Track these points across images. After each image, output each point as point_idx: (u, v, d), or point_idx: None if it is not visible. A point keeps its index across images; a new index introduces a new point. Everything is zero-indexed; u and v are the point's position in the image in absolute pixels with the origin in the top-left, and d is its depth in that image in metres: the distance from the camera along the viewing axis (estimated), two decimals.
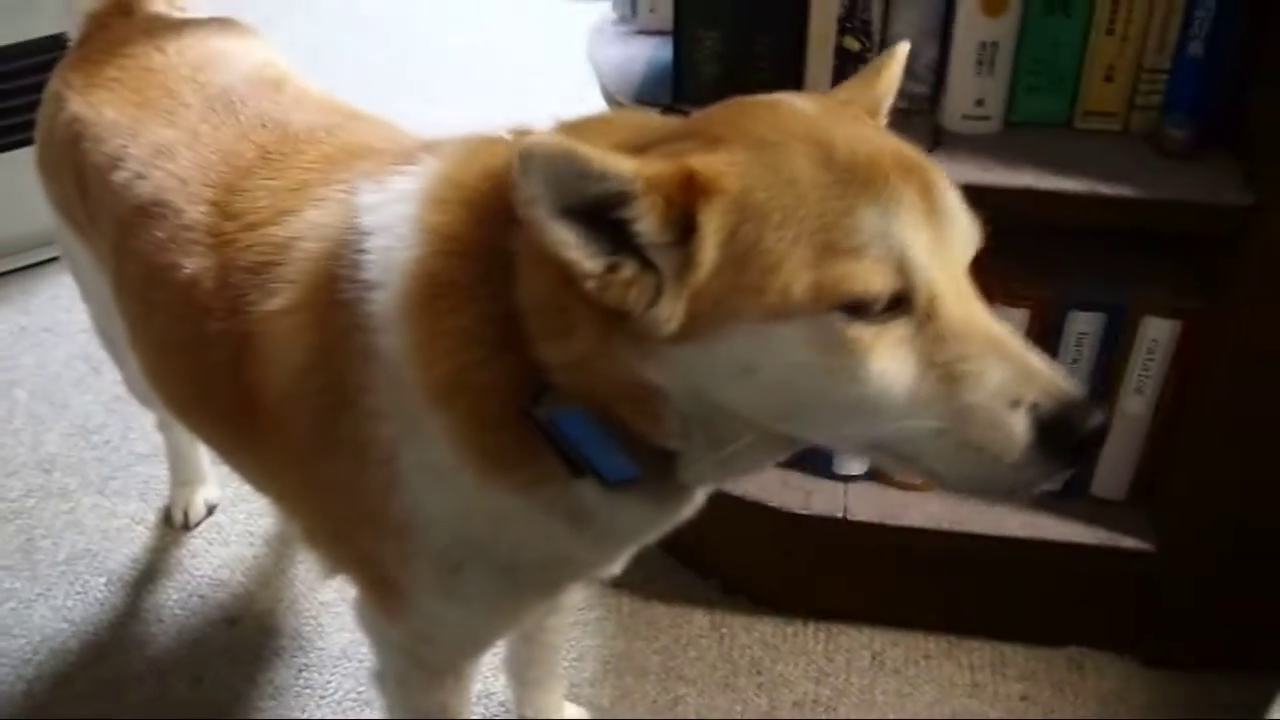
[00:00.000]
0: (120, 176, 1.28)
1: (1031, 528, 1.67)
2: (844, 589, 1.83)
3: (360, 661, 1.76)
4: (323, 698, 1.73)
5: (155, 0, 1.53)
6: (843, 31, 1.43)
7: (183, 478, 2.02)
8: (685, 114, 0.97)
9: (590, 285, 0.82)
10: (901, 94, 1.00)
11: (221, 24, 1.49)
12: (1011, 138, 1.48)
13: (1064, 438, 0.82)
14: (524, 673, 1.61)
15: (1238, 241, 1.41)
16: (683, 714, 1.71)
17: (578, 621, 1.82)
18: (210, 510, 2.04)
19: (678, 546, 1.88)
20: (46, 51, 2.44)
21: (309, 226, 1.10)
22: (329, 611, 1.85)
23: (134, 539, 2.00)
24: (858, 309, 0.80)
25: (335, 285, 1.03)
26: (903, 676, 1.76)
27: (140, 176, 1.26)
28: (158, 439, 2.05)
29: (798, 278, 0.80)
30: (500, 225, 0.92)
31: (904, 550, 1.74)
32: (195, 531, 2.01)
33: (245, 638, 1.82)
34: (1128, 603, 1.72)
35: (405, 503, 1.05)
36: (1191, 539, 1.62)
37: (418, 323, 0.96)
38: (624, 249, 0.83)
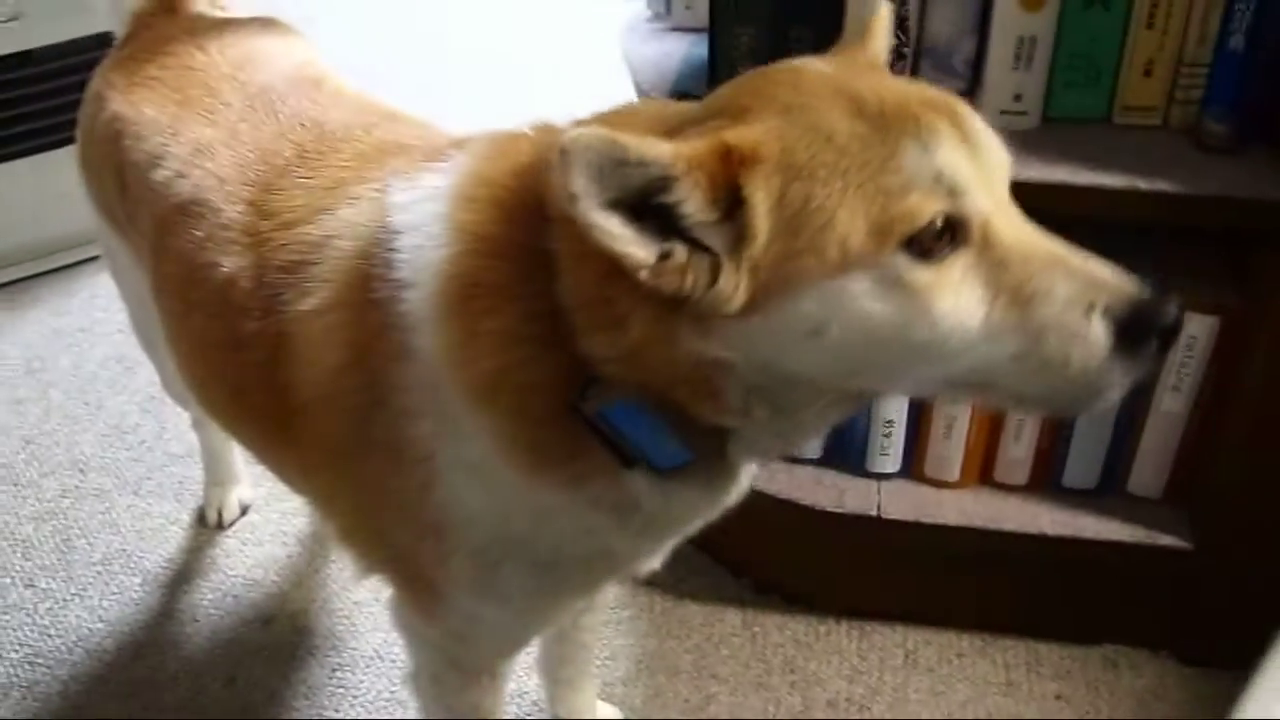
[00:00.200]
0: (160, 175, 1.28)
1: (1067, 525, 1.65)
2: (877, 587, 1.82)
3: (393, 662, 1.77)
4: (356, 697, 1.73)
5: (198, 0, 1.54)
6: None
7: (217, 477, 2.03)
8: (698, 98, 0.96)
9: (644, 276, 0.81)
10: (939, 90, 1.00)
11: (263, 23, 1.50)
12: (1049, 133, 1.47)
13: (1143, 334, 0.83)
14: (557, 672, 1.61)
15: (1277, 237, 1.40)
16: (715, 713, 1.70)
17: (610, 620, 1.82)
18: (244, 510, 2.05)
19: (710, 545, 1.87)
20: (80, 54, 2.46)
21: (343, 225, 1.10)
22: (362, 611, 1.85)
23: (169, 539, 2.01)
24: (918, 248, 0.81)
25: (369, 284, 1.03)
26: (936, 675, 1.75)
27: (180, 175, 1.26)
28: (192, 439, 2.06)
29: (854, 228, 0.81)
30: (533, 224, 0.92)
31: (937, 548, 1.73)
32: (229, 531, 2.02)
33: (279, 637, 1.83)
34: (1164, 601, 1.71)
35: (442, 501, 1.05)
36: (1229, 537, 1.61)
37: (455, 323, 0.96)
38: (671, 234, 0.82)
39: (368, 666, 1.78)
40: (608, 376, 0.90)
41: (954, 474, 1.71)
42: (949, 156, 0.83)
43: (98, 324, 2.56)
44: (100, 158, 1.43)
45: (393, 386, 1.03)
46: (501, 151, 1.02)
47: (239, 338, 1.16)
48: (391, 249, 1.01)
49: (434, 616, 1.17)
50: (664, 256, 0.82)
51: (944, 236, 0.82)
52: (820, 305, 0.82)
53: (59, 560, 1.97)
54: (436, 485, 1.04)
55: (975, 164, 0.84)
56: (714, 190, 0.82)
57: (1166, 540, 1.63)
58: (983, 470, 1.71)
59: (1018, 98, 1.46)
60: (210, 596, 1.90)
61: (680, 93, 1.60)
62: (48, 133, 2.53)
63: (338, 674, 1.77)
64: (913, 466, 1.73)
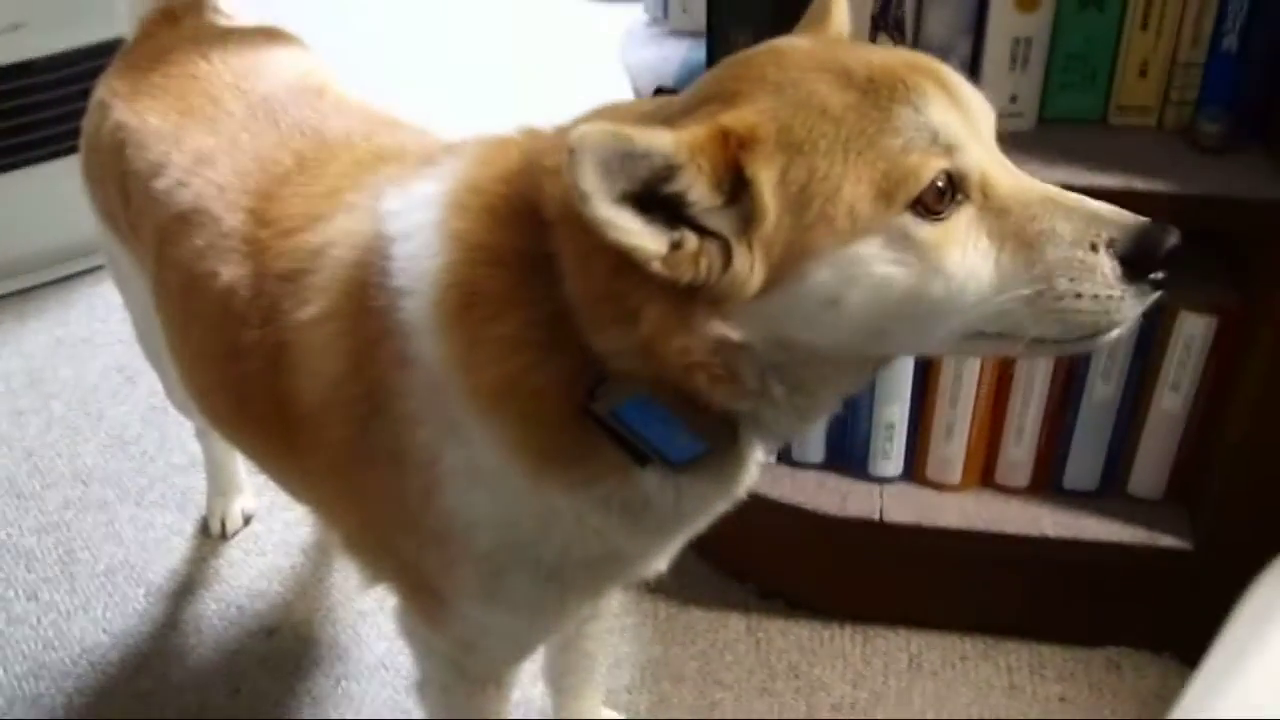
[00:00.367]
0: (162, 184, 1.29)
1: (1068, 527, 1.66)
2: (880, 591, 1.82)
3: (398, 671, 1.77)
4: (361, 707, 1.73)
5: (202, 9, 1.54)
6: (876, 29, 1.43)
7: (220, 487, 2.03)
8: (675, 93, 0.97)
9: (657, 267, 0.82)
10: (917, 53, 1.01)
11: (266, 33, 1.50)
12: (1046, 134, 1.48)
13: (1149, 260, 0.86)
14: (562, 679, 1.61)
15: (1273, 236, 1.40)
16: (720, 718, 1.70)
17: (615, 628, 1.82)
18: (247, 520, 2.05)
19: (713, 551, 1.88)
20: (79, 64, 2.47)
21: (339, 233, 1.10)
22: (366, 621, 1.85)
23: (172, 550, 2.01)
24: (923, 207, 0.83)
25: (366, 292, 1.03)
26: (940, 679, 1.75)
27: (181, 184, 1.27)
28: (194, 449, 2.07)
29: (860, 195, 0.82)
30: (528, 229, 0.93)
31: (940, 552, 1.73)
32: (233, 542, 2.02)
33: (283, 647, 1.83)
34: (1166, 602, 1.71)
35: (446, 507, 1.05)
36: (1230, 537, 1.61)
37: (457, 331, 0.96)
38: (679, 224, 0.83)
39: (372, 676, 1.77)
40: (620, 372, 0.90)
41: (955, 477, 1.71)
42: (941, 115, 0.85)
43: (98, 334, 2.56)
44: (104, 166, 1.43)
45: (393, 393, 1.03)
46: (491, 157, 1.02)
47: (239, 347, 1.17)
48: (387, 257, 1.02)
49: (440, 624, 1.17)
50: (675, 246, 0.83)
51: (946, 193, 0.84)
52: (836, 274, 0.83)
53: (62, 572, 1.97)
54: (440, 491, 1.04)
55: (964, 120, 0.86)
56: (716, 174, 0.83)
57: (1168, 541, 1.63)
58: (984, 473, 1.72)
59: (1014, 99, 1.47)
60: (214, 607, 1.90)
61: (661, 89, 1.61)
62: (48, 143, 2.54)
63: (342, 683, 1.77)
64: (914, 470, 1.73)
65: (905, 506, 1.71)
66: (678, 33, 1.81)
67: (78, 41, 2.49)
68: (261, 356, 1.14)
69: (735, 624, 1.84)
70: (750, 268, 0.83)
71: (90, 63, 2.42)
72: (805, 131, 0.83)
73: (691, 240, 0.83)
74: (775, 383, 0.91)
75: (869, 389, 1.66)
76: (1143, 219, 0.87)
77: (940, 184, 0.83)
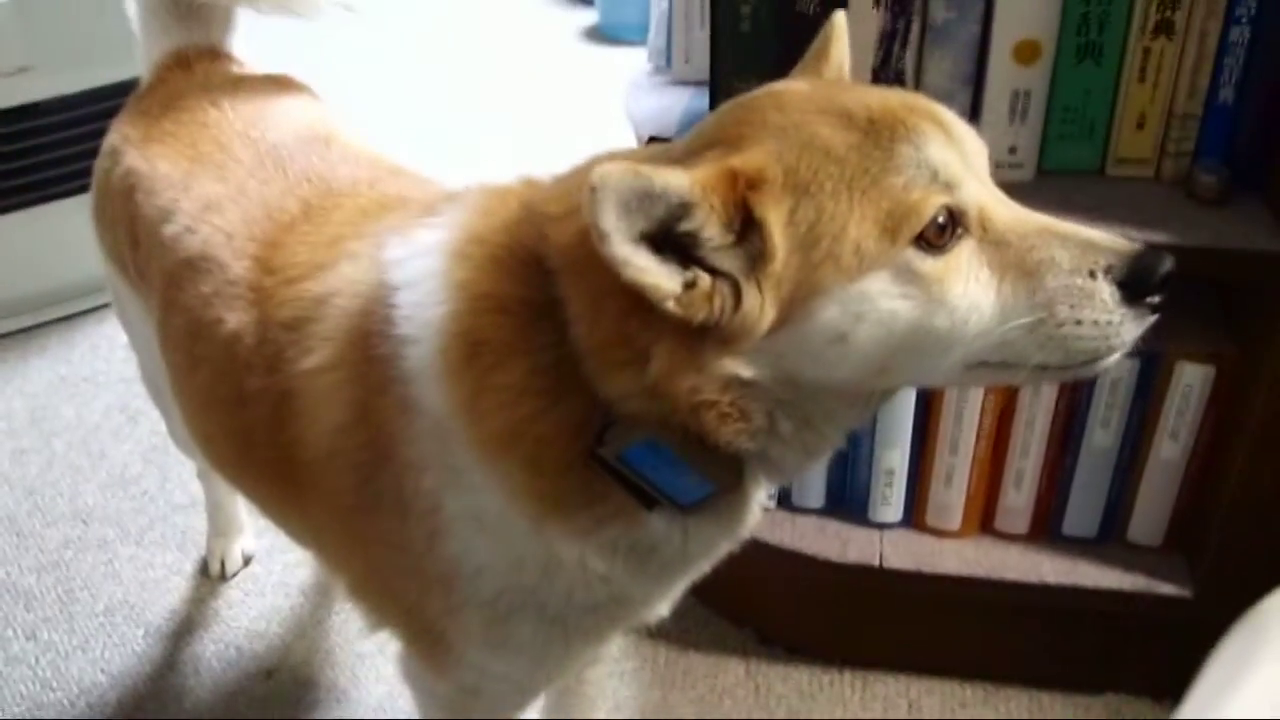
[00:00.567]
0: (170, 230, 1.30)
1: (1068, 574, 1.66)
2: (880, 637, 1.82)
3: (397, 714, 1.76)
4: None
5: (216, 55, 1.56)
6: (877, 80, 1.44)
7: (220, 528, 2.03)
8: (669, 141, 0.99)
9: (671, 306, 0.84)
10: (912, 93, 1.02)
11: (277, 81, 1.52)
12: (1045, 185, 1.49)
13: (1145, 285, 0.89)
14: None
15: (1270, 287, 1.41)
16: None
17: (614, 671, 1.82)
18: (247, 561, 2.05)
19: (714, 596, 1.88)
20: (84, 106, 2.50)
21: (342, 281, 1.11)
22: (365, 664, 1.85)
23: (171, 590, 2.01)
24: (925, 242, 0.85)
25: (370, 341, 1.04)
26: None
27: (189, 230, 1.28)
28: (195, 489, 2.07)
29: (865, 232, 0.84)
30: (530, 277, 0.94)
31: (940, 598, 1.73)
32: (232, 582, 2.02)
33: (282, 689, 1.82)
34: (1166, 649, 1.70)
35: (450, 554, 1.06)
36: (1228, 584, 1.61)
37: (461, 379, 0.97)
38: (690, 264, 0.85)
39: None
40: (628, 415, 0.91)
41: (955, 523, 1.71)
42: (940, 154, 0.87)
43: (100, 374, 2.57)
44: (114, 211, 1.45)
45: (397, 441, 1.04)
46: (491, 207, 1.04)
47: (244, 394, 1.17)
48: (391, 305, 1.03)
49: (444, 670, 1.17)
50: (689, 286, 0.84)
51: (947, 228, 0.86)
52: (844, 310, 0.85)
53: (61, 612, 1.97)
54: (444, 537, 1.05)
55: (961, 157, 0.89)
56: (727, 214, 0.85)
57: (1167, 588, 1.63)
58: (983, 519, 1.72)
59: (1013, 150, 1.48)
60: (213, 648, 1.90)
61: (654, 138, 1.63)
62: (53, 183, 2.56)
63: None
64: (914, 516, 1.74)
65: (905, 552, 1.71)
66: (680, 82, 1.83)
67: (82, 85, 2.52)
68: (266, 403, 1.15)
69: (734, 668, 1.83)
70: (760, 307, 0.85)
71: (94, 105, 2.47)
72: (811, 173, 0.85)
73: (705, 280, 0.85)
74: (783, 419, 0.93)
75: (869, 435, 1.66)
76: (1137, 245, 0.90)
77: (941, 219, 0.86)
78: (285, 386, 1.12)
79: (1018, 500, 1.68)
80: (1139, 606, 1.65)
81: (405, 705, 1.68)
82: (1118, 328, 0.89)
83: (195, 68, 1.52)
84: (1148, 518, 1.66)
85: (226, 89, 1.46)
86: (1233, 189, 1.44)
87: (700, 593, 1.80)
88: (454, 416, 0.98)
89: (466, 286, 0.98)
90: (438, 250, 1.02)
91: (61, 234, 2.51)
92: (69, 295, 2.73)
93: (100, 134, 1.53)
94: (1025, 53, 1.42)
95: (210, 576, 2.03)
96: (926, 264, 0.85)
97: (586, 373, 0.92)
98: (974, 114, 1.47)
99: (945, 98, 1.41)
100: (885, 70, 1.45)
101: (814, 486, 1.75)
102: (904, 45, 1.43)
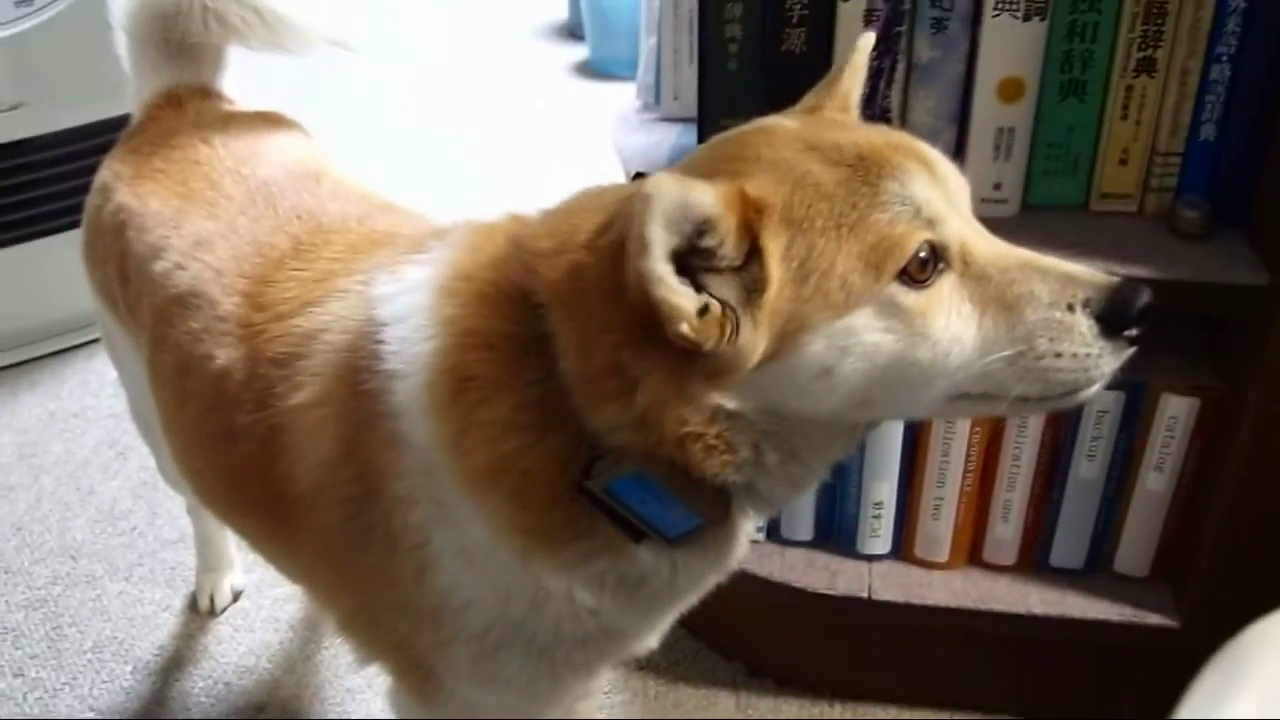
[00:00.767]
0: (160, 266, 1.31)
1: (1055, 605, 1.66)
2: (869, 669, 1.82)
3: None
4: None
5: (206, 93, 1.57)
6: (862, 117, 1.46)
7: (209, 563, 2.02)
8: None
9: (684, 330, 0.84)
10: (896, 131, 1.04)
11: (267, 118, 1.53)
12: (1029, 220, 1.51)
13: (1123, 318, 0.90)
14: None
15: (1253, 320, 1.43)
16: None
17: (604, 705, 1.81)
18: (236, 596, 2.04)
19: (703, 629, 1.88)
20: (77, 142, 2.51)
21: (331, 318, 1.12)
22: (355, 699, 1.84)
23: (160, 626, 2.00)
24: (907, 277, 0.86)
25: (358, 376, 1.05)
26: None
27: (179, 267, 1.29)
28: (184, 524, 2.06)
29: (852, 267, 0.86)
30: (518, 313, 0.95)
31: (928, 629, 1.73)
32: (221, 618, 2.01)
33: None
34: (1153, 679, 1.70)
35: (439, 588, 1.06)
36: (1215, 614, 1.61)
37: (449, 414, 0.98)
38: (699, 289, 0.86)
39: None
40: (616, 448, 0.92)
41: (943, 555, 1.72)
42: (923, 190, 0.88)
43: (90, 409, 2.57)
44: (104, 247, 1.45)
45: (385, 476, 1.04)
46: (479, 244, 1.04)
47: (233, 430, 1.18)
48: (379, 341, 1.04)
49: (433, 705, 1.17)
50: (702, 311, 0.85)
51: (929, 262, 0.87)
52: (830, 345, 0.86)
53: (49, 649, 1.96)
54: (433, 571, 1.05)
55: (944, 194, 0.90)
56: (739, 234, 0.85)
57: (1154, 619, 1.64)
58: (971, 551, 1.73)
59: (998, 186, 1.50)
60: (202, 684, 1.89)
61: (640, 174, 1.63)
62: (44, 219, 2.57)
63: None
64: (903, 548, 1.74)
65: (894, 584, 1.72)
66: (668, 119, 1.84)
67: (74, 121, 2.53)
68: (255, 439, 1.15)
69: (724, 701, 1.83)
70: (755, 338, 0.86)
71: (85, 141, 2.48)
72: (804, 208, 0.86)
73: (715, 306, 0.85)
74: (769, 451, 0.94)
75: (858, 468, 1.67)
76: (1115, 278, 0.91)
77: (923, 254, 0.87)
78: (274, 422, 1.13)
79: (1005, 532, 1.69)
80: (1126, 637, 1.65)
81: None
82: (1096, 360, 0.90)
83: (186, 106, 1.53)
84: (1134, 549, 1.67)
85: (217, 126, 1.47)
86: (1215, 224, 1.45)
87: (690, 625, 1.81)
88: (441, 451, 0.99)
89: (454, 322, 0.99)
90: (425, 286, 1.03)
91: (52, 270, 2.52)
92: (59, 331, 2.73)
93: (91, 170, 1.54)
94: (1009, 90, 1.44)
95: (199, 612, 2.02)
96: (909, 298, 0.87)
97: (574, 406, 0.92)
98: (959, 150, 1.49)
99: (931, 135, 1.44)
100: (871, 107, 1.46)
101: (803, 519, 1.76)
102: (890, 83, 1.44)
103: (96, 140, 2.38)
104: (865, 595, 1.70)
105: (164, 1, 1.51)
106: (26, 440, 2.48)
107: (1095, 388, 0.92)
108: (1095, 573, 1.70)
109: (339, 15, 1.58)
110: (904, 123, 1.48)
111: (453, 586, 1.06)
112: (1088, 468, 1.61)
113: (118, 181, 1.44)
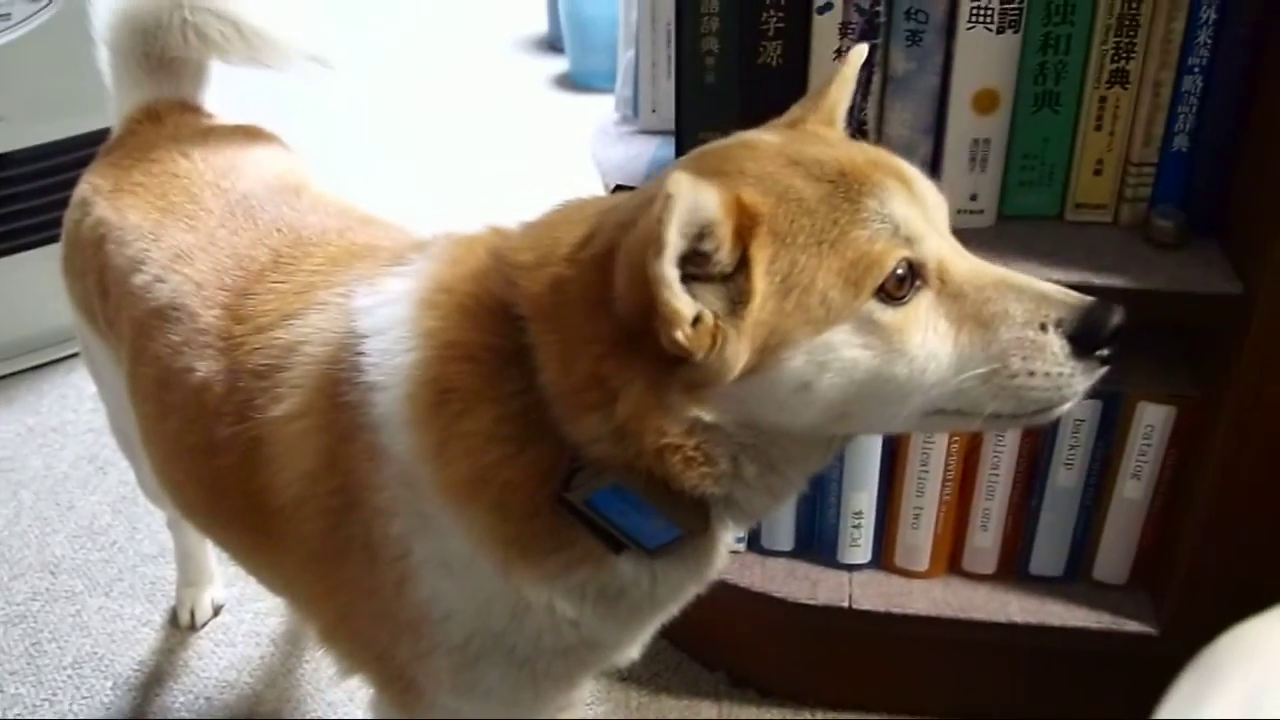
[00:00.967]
0: (140, 279, 1.31)
1: (1035, 613, 1.67)
2: (851, 678, 1.83)
3: None
4: None
5: (185, 107, 1.57)
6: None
7: (190, 577, 2.02)
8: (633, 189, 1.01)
9: (679, 337, 0.85)
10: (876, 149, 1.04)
11: (247, 131, 1.53)
12: (1005, 230, 1.51)
13: (1095, 339, 0.91)
14: None
15: (1228, 329, 1.44)
16: None
17: (587, 716, 1.81)
18: (217, 611, 2.03)
19: (685, 639, 1.88)
20: (57, 156, 2.50)
21: (311, 330, 1.12)
22: (337, 712, 1.84)
23: (140, 641, 2.00)
24: (885, 294, 0.87)
25: (338, 388, 1.05)
26: None
27: (159, 280, 1.29)
28: (164, 539, 2.06)
29: (833, 284, 0.86)
30: (498, 326, 0.95)
31: (909, 638, 1.74)
32: (202, 632, 2.01)
33: None
34: (1132, 685, 1.71)
35: (419, 599, 1.06)
36: (1193, 621, 1.62)
37: (428, 426, 0.98)
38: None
39: None
40: (596, 459, 0.92)
41: (923, 564, 1.72)
42: (902, 209, 0.89)
43: (69, 424, 2.56)
44: (84, 261, 1.45)
45: (366, 487, 1.04)
46: (459, 257, 1.05)
47: (214, 442, 1.18)
48: (359, 353, 1.04)
49: (415, 716, 1.17)
50: (696, 320, 0.85)
51: (906, 279, 0.88)
52: (809, 360, 0.87)
53: (28, 665, 1.95)
54: (413, 583, 1.05)
55: (922, 212, 0.91)
56: (733, 240, 0.86)
57: (1132, 626, 1.65)
58: (951, 559, 1.73)
59: (974, 197, 1.51)
60: (183, 699, 1.88)
61: (620, 186, 1.64)
62: (23, 234, 2.56)
63: None
64: (883, 557, 1.75)
65: (874, 594, 1.72)
66: (647, 131, 1.85)
67: (54, 135, 2.53)
68: (236, 451, 1.15)
69: (706, 711, 1.83)
70: (738, 350, 0.86)
71: (66, 155, 2.47)
72: (788, 223, 0.87)
73: (708, 315, 0.86)
74: (747, 463, 0.94)
75: (837, 478, 1.68)
76: (1089, 299, 0.92)
77: (901, 271, 0.88)
78: (255, 434, 1.13)
79: (985, 541, 1.70)
80: (1105, 644, 1.66)
81: None
82: (1069, 379, 0.91)
83: (165, 120, 1.53)
84: (1112, 556, 1.68)
85: (197, 140, 1.47)
86: (1189, 233, 1.46)
87: (672, 636, 1.80)
88: (422, 462, 0.99)
89: (434, 334, 0.99)
90: (406, 298, 1.03)
91: (31, 284, 2.51)
92: (38, 345, 2.72)
93: (70, 184, 1.54)
94: (984, 102, 1.45)
95: (180, 627, 2.01)
96: (887, 315, 0.87)
97: (554, 417, 0.93)
98: (935, 162, 1.50)
99: (907, 147, 1.46)
100: (849, 119, 1.47)
101: (783, 529, 1.76)
102: (865, 96, 1.45)
103: (75, 154, 2.37)
104: (846, 605, 1.71)
105: (145, 16, 1.51)
106: (4, 455, 2.46)
107: (1067, 406, 0.93)
108: (1074, 580, 1.71)
109: (318, 30, 1.58)
110: (880, 135, 1.49)
111: (433, 597, 1.06)
112: (1066, 476, 1.62)
113: (97, 195, 1.44)
